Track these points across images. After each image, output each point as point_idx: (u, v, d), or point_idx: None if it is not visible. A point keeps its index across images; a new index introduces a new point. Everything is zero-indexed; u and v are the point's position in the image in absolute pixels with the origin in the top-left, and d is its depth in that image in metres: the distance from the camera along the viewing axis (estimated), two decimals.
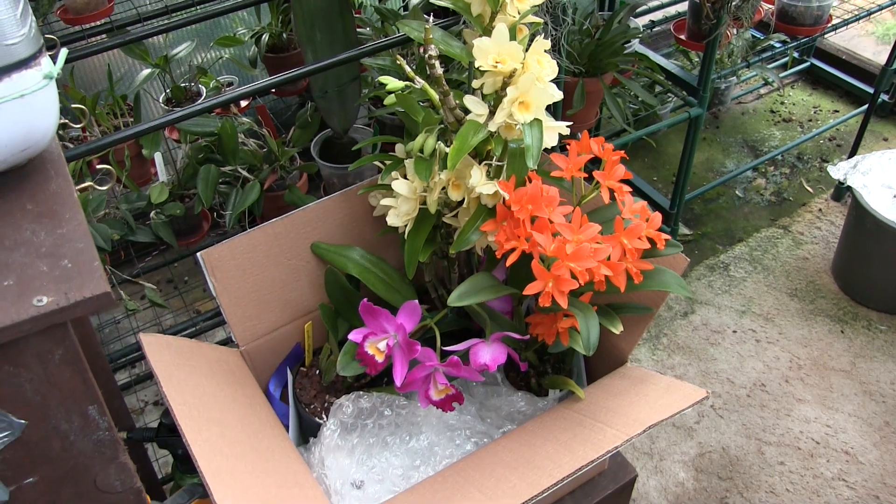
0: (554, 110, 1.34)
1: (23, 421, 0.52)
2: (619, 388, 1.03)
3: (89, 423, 0.56)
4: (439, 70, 0.90)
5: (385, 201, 1.01)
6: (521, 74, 0.89)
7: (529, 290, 0.88)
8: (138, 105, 1.45)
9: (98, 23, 1.34)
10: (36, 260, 0.51)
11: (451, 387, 0.98)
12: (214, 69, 1.67)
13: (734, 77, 2.08)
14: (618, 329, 0.98)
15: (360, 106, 1.36)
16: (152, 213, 1.26)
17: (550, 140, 0.94)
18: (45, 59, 0.55)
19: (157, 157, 1.32)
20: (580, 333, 0.92)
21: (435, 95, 0.95)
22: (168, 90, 1.50)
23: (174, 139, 1.50)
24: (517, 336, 1.00)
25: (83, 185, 1.16)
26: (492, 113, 0.93)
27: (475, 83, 0.94)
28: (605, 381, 1.08)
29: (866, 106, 1.94)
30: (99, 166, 1.38)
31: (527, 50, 0.90)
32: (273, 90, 1.65)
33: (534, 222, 0.92)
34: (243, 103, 1.55)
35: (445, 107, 0.94)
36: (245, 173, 1.23)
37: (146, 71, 1.42)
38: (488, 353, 0.98)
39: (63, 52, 0.57)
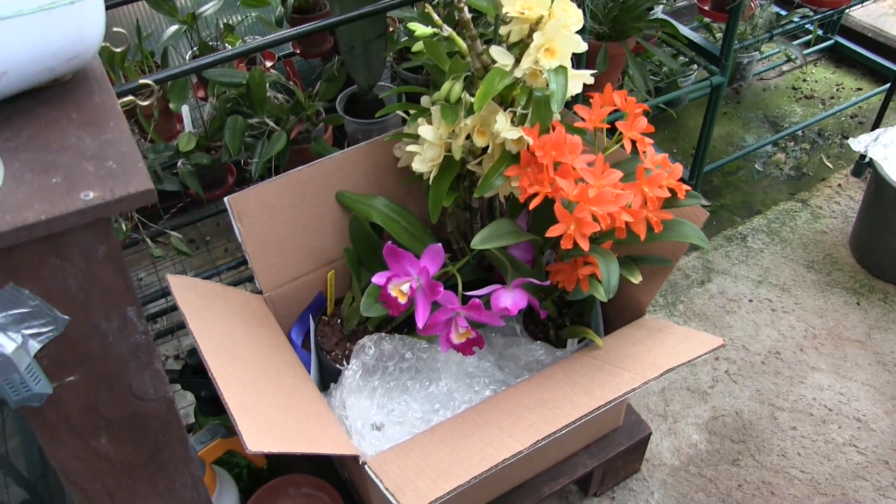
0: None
1: (66, 317, 0.54)
2: (636, 337, 1.05)
3: (128, 324, 0.57)
4: (468, 14, 0.91)
5: (410, 147, 1.03)
6: (548, 21, 0.90)
7: (552, 231, 0.90)
8: (166, 61, 1.47)
9: None
10: (82, 161, 0.53)
11: (472, 330, 1.00)
12: (241, 30, 1.69)
13: (756, 52, 2.08)
14: (637, 279, 0.99)
15: (385, 63, 1.38)
16: (179, 163, 1.27)
17: (575, 87, 0.95)
18: None
19: (185, 109, 1.34)
20: (601, 278, 0.94)
21: (462, 44, 0.96)
22: (195, 48, 1.52)
23: (200, 97, 1.52)
24: (538, 282, 1.02)
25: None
26: (517, 62, 0.94)
27: (502, 30, 0.95)
28: (624, 330, 1.09)
29: (889, 84, 1.94)
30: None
31: None
32: (299, 52, 1.66)
33: (557, 168, 0.93)
34: (269, 63, 1.56)
35: (473, 52, 0.95)
36: (272, 124, 1.25)
37: (173, 27, 1.43)
38: (509, 298, 1.00)
39: None
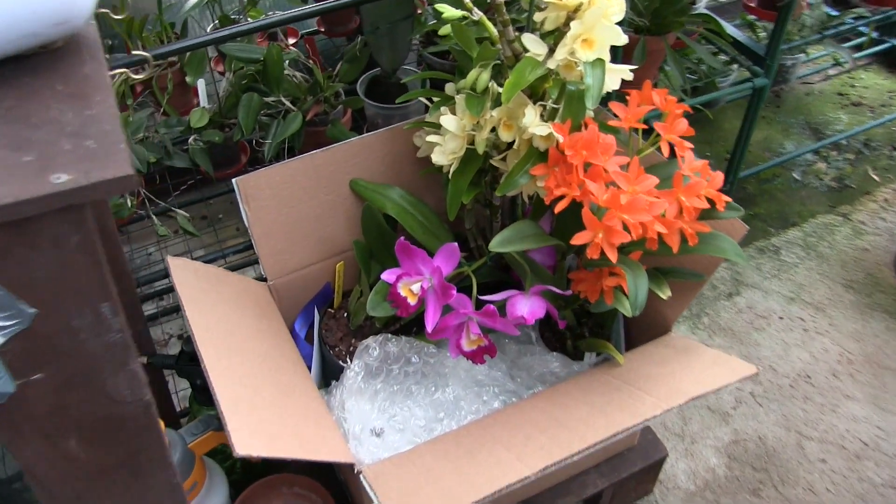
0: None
1: (33, 310, 0.48)
2: (661, 357, 0.98)
3: (102, 321, 0.52)
4: None
5: (431, 137, 0.96)
6: (587, 9, 0.83)
7: (578, 239, 0.82)
8: (185, 33, 1.41)
9: None
10: (60, 138, 0.47)
11: (483, 337, 0.93)
12: (265, 4, 1.62)
13: (802, 54, 1.99)
14: (665, 294, 0.92)
15: (410, 46, 1.31)
16: (191, 139, 1.21)
17: (612, 83, 0.87)
18: None
19: (200, 84, 1.28)
20: (626, 294, 0.87)
21: (493, 29, 0.89)
22: (216, 20, 1.45)
23: (219, 72, 1.46)
24: (558, 291, 0.95)
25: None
26: (551, 53, 0.87)
27: (536, 16, 0.88)
28: (647, 348, 1.02)
29: None
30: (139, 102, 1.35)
31: None
32: (323, 30, 1.60)
33: (587, 169, 0.86)
34: (291, 40, 1.50)
35: (504, 39, 0.88)
36: (288, 104, 1.18)
37: None
38: (526, 306, 0.93)
39: None
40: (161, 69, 1.25)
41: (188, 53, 1.22)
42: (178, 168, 1.24)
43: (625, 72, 0.88)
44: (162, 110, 1.26)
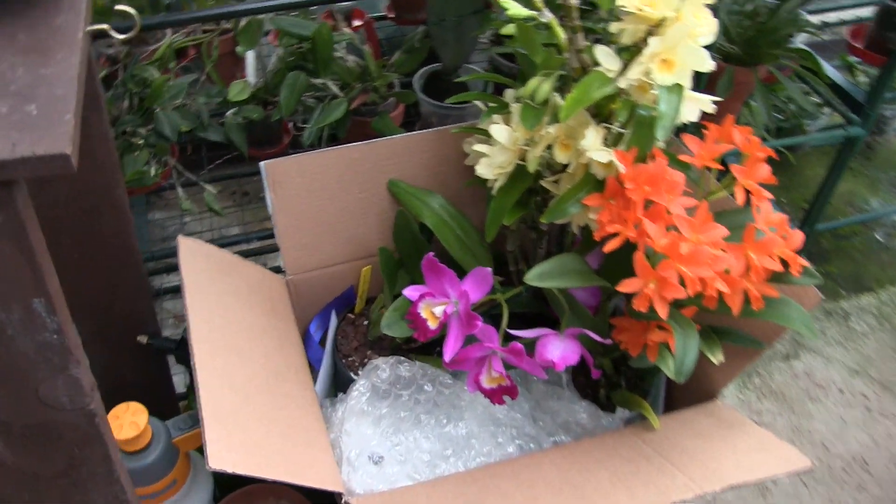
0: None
1: None
2: (701, 428, 0.86)
3: (33, 319, 0.44)
4: None
5: (478, 147, 0.86)
6: (671, 25, 0.72)
7: (625, 286, 0.72)
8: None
9: None
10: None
11: (506, 377, 0.83)
12: None
13: None
14: (717, 359, 0.81)
15: (476, 42, 1.21)
16: (228, 113, 1.14)
17: (689, 114, 0.77)
18: None
19: (249, 56, 1.20)
20: (673, 354, 0.76)
21: (561, 34, 0.79)
22: None
23: (275, 45, 1.38)
24: (597, 337, 0.84)
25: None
26: (624, 69, 0.77)
27: (613, 27, 0.77)
28: (687, 414, 0.91)
29: None
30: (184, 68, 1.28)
31: None
32: (393, 15, 1.51)
33: (647, 207, 0.75)
34: (356, 22, 1.42)
35: (572, 48, 0.78)
36: (335, 89, 1.10)
37: None
38: (559, 349, 0.83)
39: None
40: (212, 35, 1.17)
41: (242, 22, 1.14)
42: (214, 141, 1.17)
43: (706, 103, 0.77)
44: (204, 78, 1.19)
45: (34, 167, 0.36)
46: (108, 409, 1.08)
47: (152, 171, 1.09)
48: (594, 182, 0.79)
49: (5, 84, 0.40)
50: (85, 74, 0.43)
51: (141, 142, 1.13)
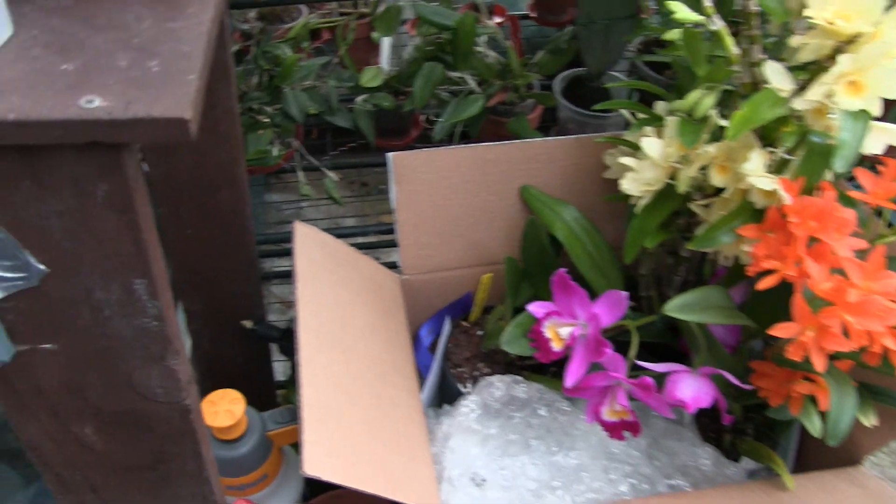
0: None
1: (43, 267, 0.37)
2: (841, 496, 0.78)
3: (133, 301, 0.40)
4: (755, 5, 0.66)
5: (625, 160, 0.80)
6: (867, 42, 0.64)
7: (780, 330, 0.64)
8: None
9: None
10: (119, 50, 0.35)
11: (630, 411, 0.77)
12: None
13: None
14: (870, 421, 0.73)
15: (624, 48, 1.14)
16: (358, 99, 1.11)
17: (872, 145, 0.68)
18: None
19: (385, 42, 1.17)
20: (820, 410, 0.68)
21: (731, 46, 0.71)
22: None
23: (412, 35, 1.35)
24: (734, 380, 0.76)
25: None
26: (801, 90, 0.69)
27: (793, 41, 0.69)
28: (825, 477, 0.82)
29: None
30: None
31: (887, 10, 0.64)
32: (535, 15, 1.46)
33: (810, 245, 0.67)
34: (498, 19, 1.37)
35: (745, 60, 0.70)
36: (473, 84, 1.05)
37: None
38: (690, 388, 0.76)
39: None
40: (349, 18, 1.14)
41: (381, 7, 1.11)
42: (340, 127, 1.14)
43: (894, 135, 0.68)
44: (337, 61, 1.16)
45: (147, 131, 0.32)
46: (204, 391, 1.07)
47: (275, 152, 1.07)
48: (752, 211, 0.72)
49: (129, 36, 0.36)
50: (216, 35, 0.39)
51: (266, 120, 1.11)
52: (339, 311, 0.85)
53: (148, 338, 0.41)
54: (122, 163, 0.33)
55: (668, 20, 0.75)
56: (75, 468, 0.50)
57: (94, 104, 0.31)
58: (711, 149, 0.72)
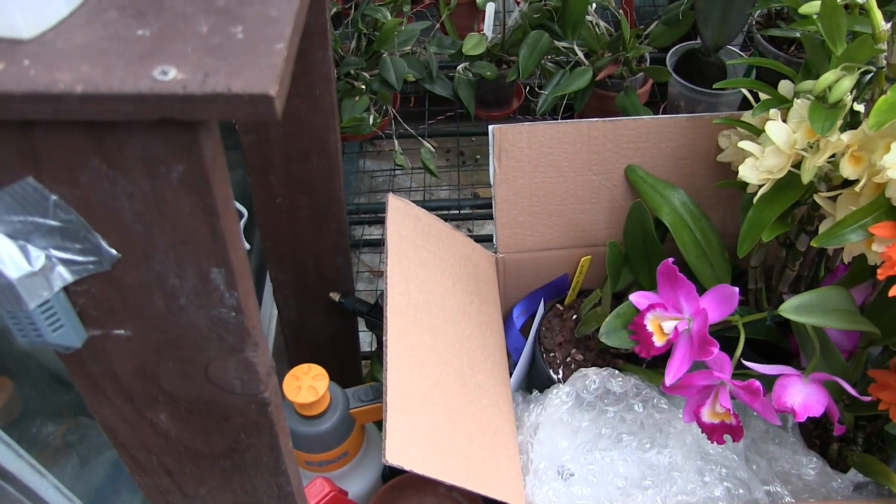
0: None
1: (115, 251, 0.34)
2: None
3: (209, 290, 0.37)
4: None
5: (745, 144, 0.74)
6: None
7: None
8: None
9: None
10: (200, 13, 0.31)
11: (733, 414, 0.72)
12: None
13: None
14: None
15: (745, 21, 1.06)
16: (459, 67, 1.07)
17: None
18: None
19: (490, 8, 1.12)
20: None
21: (881, 22, 0.65)
22: None
23: (516, 1, 1.30)
24: (851, 389, 0.70)
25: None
26: None
27: None
28: None
29: None
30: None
31: None
32: None
33: None
34: None
35: (894, 37, 0.63)
36: (581, 55, 1.00)
37: None
38: (800, 395, 0.70)
39: None
40: None
41: None
42: (438, 95, 1.10)
43: None
44: (438, 27, 1.12)
45: (226, 108, 0.29)
46: (289, 361, 1.05)
47: (370, 120, 1.04)
48: (887, 208, 0.65)
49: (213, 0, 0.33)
50: None
51: (363, 87, 1.08)
52: (429, 292, 0.82)
53: (225, 329, 0.38)
54: (199, 142, 0.30)
55: None
56: (150, 451, 0.48)
57: (168, 76, 0.28)
58: (846, 137, 0.66)
